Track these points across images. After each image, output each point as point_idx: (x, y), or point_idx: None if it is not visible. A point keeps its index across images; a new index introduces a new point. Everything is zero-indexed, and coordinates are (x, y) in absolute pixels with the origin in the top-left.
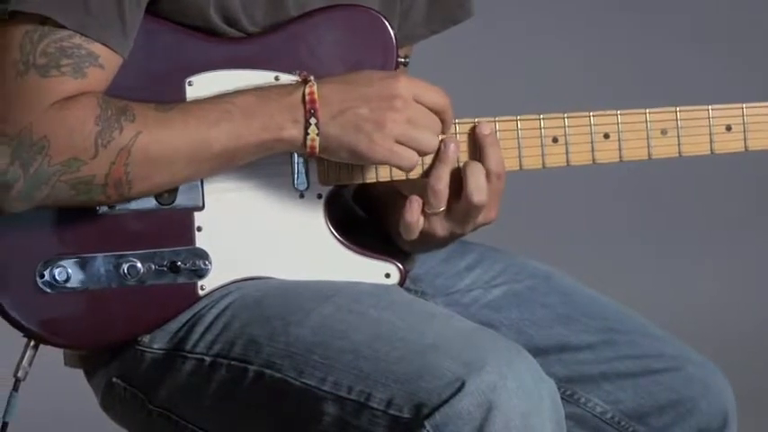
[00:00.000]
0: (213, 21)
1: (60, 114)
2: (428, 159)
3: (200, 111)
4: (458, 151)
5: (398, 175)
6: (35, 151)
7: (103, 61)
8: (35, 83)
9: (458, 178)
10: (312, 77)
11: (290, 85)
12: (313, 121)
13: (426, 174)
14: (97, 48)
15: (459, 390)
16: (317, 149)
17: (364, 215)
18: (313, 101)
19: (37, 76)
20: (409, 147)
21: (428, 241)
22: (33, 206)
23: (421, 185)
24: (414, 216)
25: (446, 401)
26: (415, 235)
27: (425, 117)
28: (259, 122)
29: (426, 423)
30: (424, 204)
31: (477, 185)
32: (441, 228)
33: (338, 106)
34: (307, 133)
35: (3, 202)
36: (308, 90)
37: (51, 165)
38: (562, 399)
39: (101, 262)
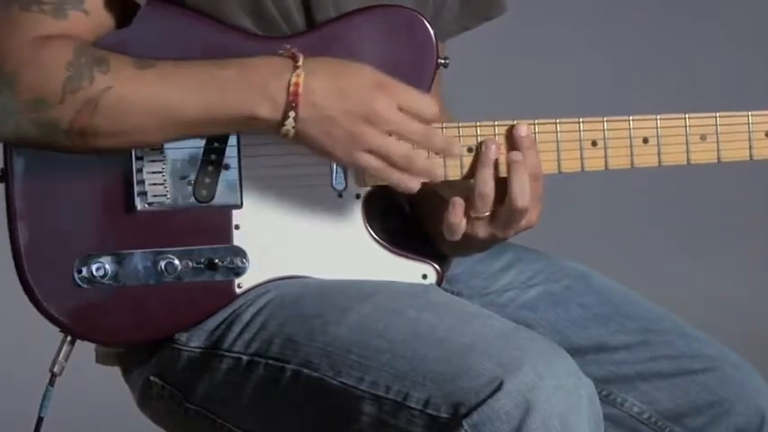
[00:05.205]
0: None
1: (34, 52)
2: (467, 160)
3: (179, 75)
4: (498, 152)
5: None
6: (3, 84)
7: (88, 7)
8: (14, 15)
9: (501, 182)
10: (301, 59)
11: (278, 62)
12: (292, 114)
13: (466, 177)
14: None
15: (497, 389)
16: (290, 138)
17: (409, 212)
18: (296, 93)
19: (17, 8)
20: (380, 159)
21: (469, 244)
22: (2, 140)
23: (461, 188)
24: (457, 218)
25: (484, 401)
26: (458, 237)
27: (406, 128)
28: (236, 98)
29: (464, 422)
30: (467, 207)
31: (522, 189)
32: (483, 231)
33: (319, 112)
34: (283, 124)
35: None
36: (294, 80)
37: (17, 101)
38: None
39: (138, 258)
